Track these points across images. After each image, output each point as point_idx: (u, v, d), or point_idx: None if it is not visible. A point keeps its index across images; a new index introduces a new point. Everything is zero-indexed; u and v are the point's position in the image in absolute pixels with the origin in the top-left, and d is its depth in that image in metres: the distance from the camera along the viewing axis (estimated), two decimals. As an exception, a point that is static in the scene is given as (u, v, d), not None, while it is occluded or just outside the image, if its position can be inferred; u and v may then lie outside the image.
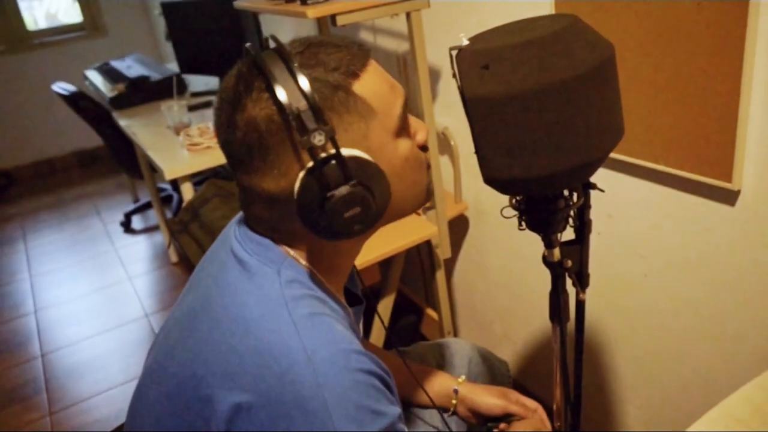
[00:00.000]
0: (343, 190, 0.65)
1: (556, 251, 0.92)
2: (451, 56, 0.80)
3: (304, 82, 0.64)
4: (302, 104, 0.63)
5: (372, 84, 0.70)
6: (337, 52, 0.69)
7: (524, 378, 1.90)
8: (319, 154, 0.64)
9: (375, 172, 0.68)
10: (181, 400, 0.69)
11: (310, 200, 0.66)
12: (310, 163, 0.65)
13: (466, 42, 0.80)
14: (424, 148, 0.79)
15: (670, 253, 1.25)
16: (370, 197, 0.67)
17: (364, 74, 0.70)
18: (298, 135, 0.64)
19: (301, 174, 0.66)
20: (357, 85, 0.69)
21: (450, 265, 2.03)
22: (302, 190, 0.66)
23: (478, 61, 0.75)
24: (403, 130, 0.74)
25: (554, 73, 0.72)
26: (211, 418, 0.65)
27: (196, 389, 0.67)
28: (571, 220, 0.91)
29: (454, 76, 0.79)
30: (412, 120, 0.78)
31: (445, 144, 1.76)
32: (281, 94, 0.63)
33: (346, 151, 0.66)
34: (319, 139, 0.63)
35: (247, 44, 0.69)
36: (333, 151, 0.65)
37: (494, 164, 0.78)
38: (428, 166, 0.80)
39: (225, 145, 0.72)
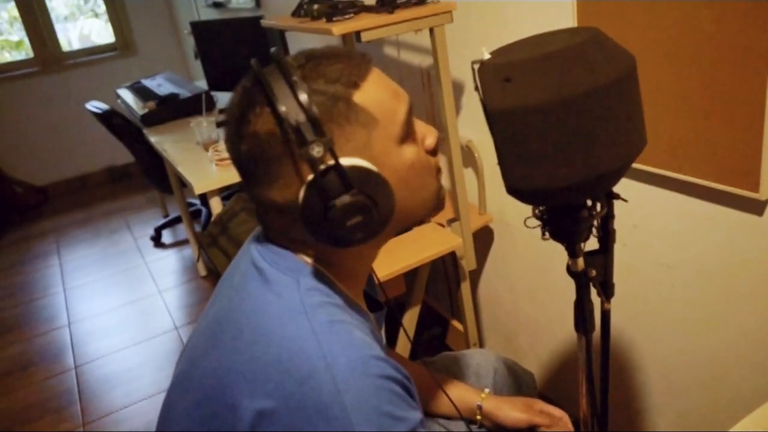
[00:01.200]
0: (344, 199, 0.66)
1: (580, 261, 0.92)
2: (473, 69, 0.82)
3: (302, 95, 0.65)
4: (301, 117, 0.65)
5: (373, 93, 0.71)
6: (337, 63, 0.71)
7: (550, 389, 1.89)
8: (318, 166, 0.66)
9: (376, 181, 0.69)
10: (208, 409, 0.70)
11: (313, 210, 0.67)
12: (311, 175, 0.66)
13: (487, 56, 0.81)
14: (433, 152, 0.79)
15: (697, 264, 1.25)
16: (371, 205, 0.68)
17: (365, 84, 0.71)
18: (297, 147, 0.65)
19: (304, 185, 0.67)
20: (358, 95, 0.70)
21: (475, 276, 2.04)
22: (305, 200, 0.67)
23: (499, 74, 0.77)
24: (408, 136, 0.74)
25: (575, 85, 0.73)
26: (236, 425, 0.66)
27: (221, 398, 0.68)
28: (595, 230, 0.92)
29: (476, 89, 0.80)
30: (420, 125, 0.78)
31: (469, 156, 1.77)
32: (281, 107, 0.65)
33: (346, 161, 0.67)
34: (317, 150, 0.64)
35: (252, 60, 0.71)
36: (332, 161, 0.66)
37: (516, 175, 0.79)
38: (438, 171, 0.80)
39: (234, 160, 0.74)
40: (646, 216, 1.31)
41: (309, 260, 0.76)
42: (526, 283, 1.81)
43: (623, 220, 1.33)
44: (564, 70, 0.74)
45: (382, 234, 0.73)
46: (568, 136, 0.74)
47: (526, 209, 0.89)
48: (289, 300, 0.71)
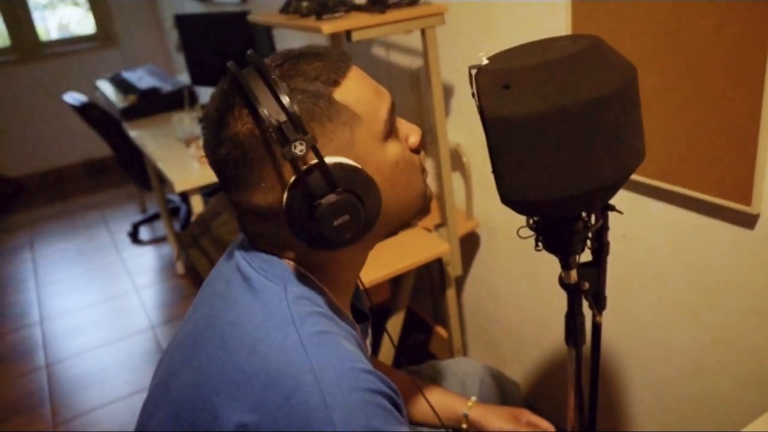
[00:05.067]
0: (330, 198, 0.65)
1: (573, 273, 0.90)
2: (470, 75, 0.79)
3: (282, 94, 0.64)
4: (282, 116, 0.63)
5: (354, 90, 0.70)
6: (316, 61, 0.69)
7: (533, 399, 1.88)
8: (301, 165, 0.64)
9: (362, 179, 0.67)
10: (187, 421, 0.68)
11: (299, 211, 0.66)
12: (294, 176, 0.65)
13: (485, 61, 0.79)
14: (417, 151, 0.78)
15: (686, 276, 1.24)
16: (358, 204, 0.66)
17: (345, 81, 0.69)
18: (279, 147, 0.63)
19: (287, 186, 0.66)
20: (338, 92, 0.68)
21: (459, 282, 2.02)
22: (290, 201, 0.66)
23: (498, 80, 0.75)
24: (391, 133, 0.73)
25: (576, 94, 0.71)
26: None
27: (201, 409, 0.66)
28: (588, 242, 0.90)
29: (473, 95, 0.78)
30: (404, 123, 0.77)
31: (456, 160, 1.75)
32: (260, 108, 0.63)
33: (330, 159, 0.65)
34: (300, 149, 0.62)
35: (228, 62, 0.69)
36: (316, 160, 0.64)
37: (513, 185, 0.77)
38: (423, 170, 0.79)
39: (213, 164, 0.72)
40: (636, 226, 1.30)
41: (295, 266, 0.74)
42: (512, 291, 1.79)
43: (612, 230, 1.31)
44: (564, 78, 0.72)
45: (369, 236, 0.72)
46: (568, 146, 0.72)
47: (514, 216, 0.87)
48: (276, 309, 0.68)
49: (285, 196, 0.66)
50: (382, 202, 0.70)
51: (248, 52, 0.69)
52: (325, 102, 0.67)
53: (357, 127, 0.69)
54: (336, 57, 0.71)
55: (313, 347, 0.65)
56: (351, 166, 0.67)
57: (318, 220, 0.65)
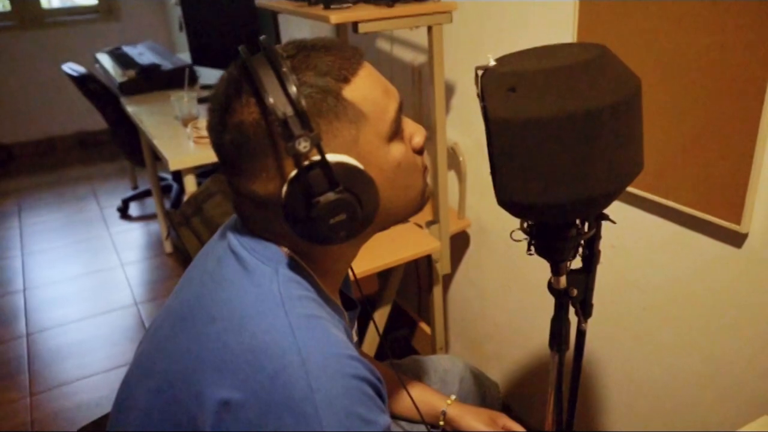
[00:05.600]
0: (328, 196, 0.65)
1: (563, 279, 0.91)
2: (476, 75, 0.79)
3: (291, 88, 0.63)
4: (289, 110, 0.63)
5: (364, 89, 0.70)
6: (328, 55, 0.69)
7: (511, 399, 1.89)
8: (303, 161, 0.64)
9: (362, 179, 0.67)
10: (170, 395, 0.68)
11: (296, 206, 0.66)
12: (295, 170, 0.65)
13: (493, 62, 0.79)
14: (420, 151, 0.78)
15: (670, 289, 1.25)
16: (356, 204, 0.67)
17: (356, 79, 0.69)
18: (283, 141, 0.63)
19: (287, 180, 0.66)
20: (348, 89, 0.68)
21: (446, 280, 2.03)
22: (288, 195, 0.66)
23: (504, 82, 0.75)
24: (396, 134, 0.73)
25: (580, 102, 0.72)
26: (198, 413, 0.64)
27: (186, 384, 0.66)
28: (580, 249, 0.91)
29: (478, 95, 0.78)
30: (408, 123, 0.77)
31: (452, 160, 1.76)
32: (268, 99, 0.63)
33: (332, 157, 0.65)
34: (304, 145, 0.62)
35: (240, 47, 0.69)
36: (318, 157, 0.64)
37: (511, 187, 0.78)
38: (425, 169, 0.79)
39: (216, 147, 0.72)
40: (626, 237, 1.32)
41: (288, 251, 0.74)
42: (498, 292, 1.81)
43: (603, 240, 1.33)
44: (570, 85, 0.72)
45: (364, 233, 0.72)
46: (569, 153, 0.73)
47: (505, 218, 0.87)
48: (266, 290, 0.69)
49: (284, 189, 0.66)
50: (380, 203, 0.70)
51: (261, 38, 0.68)
52: (334, 99, 0.67)
53: (363, 126, 0.69)
54: (349, 53, 0.71)
55: (301, 330, 0.65)
56: (352, 166, 0.67)
57: (315, 217, 0.65)
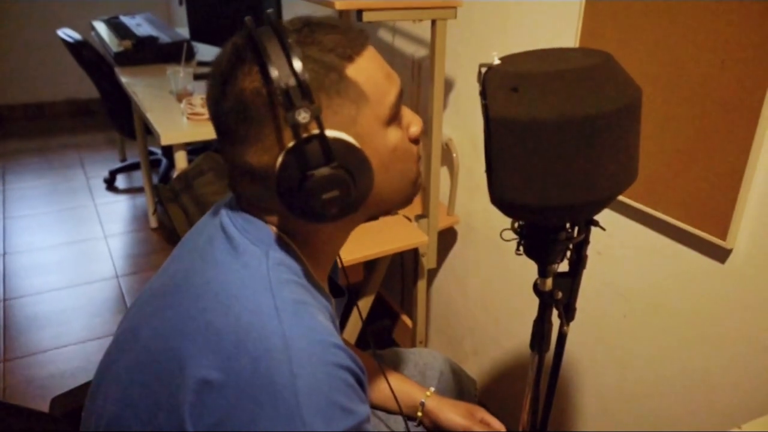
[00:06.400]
0: (323, 170, 0.65)
1: (549, 281, 0.92)
2: (480, 73, 0.80)
3: (295, 60, 0.63)
4: (291, 81, 0.63)
5: (367, 69, 0.70)
6: (334, 33, 0.69)
7: (486, 397, 1.91)
8: (302, 132, 0.64)
9: (359, 158, 0.68)
10: (151, 371, 0.68)
11: (290, 178, 0.66)
12: (293, 141, 0.65)
13: (497, 61, 0.80)
14: (416, 141, 0.79)
15: (652, 299, 1.27)
16: (350, 181, 0.67)
17: (360, 59, 0.70)
18: (283, 111, 0.63)
19: (283, 151, 0.66)
20: (351, 68, 0.68)
21: (431, 275, 2.03)
22: (283, 166, 0.66)
23: (508, 82, 0.75)
24: (394, 119, 0.73)
25: (581, 106, 0.72)
26: (178, 391, 0.64)
27: (167, 361, 0.66)
28: (568, 253, 0.92)
29: (480, 93, 0.79)
30: (407, 112, 0.78)
31: (445, 155, 1.76)
32: (272, 68, 0.63)
33: (330, 133, 0.66)
34: (303, 116, 0.62)
35: (246, 17, 0.69)
36: (317, 130, 0.64)
37: (506, 187, 0.78)
38: (419, 159, 0.80)
39: (214, 116, 0.72)
40: (612, 245, 1.33)
41: (280, 233, 0.74)
42: (481, 290, 1.82)
43: (590, 245, 1.35)
44: (573, 90, 0.73)
45: (354, 215, 0.72)
46: (566, 156, 0.74)
47: (493, 218, 0.88)
48: (255, 272, 0.69)
49: (279, 160, 0.66)
50: (373, 184, 0.70)
51: (267, 11, 0.68)
52: (336, 75, 0.67)
53: (363, 107, 0.69)
54: (354, 33, 0.71)
55: (287, 315, 0.65)
56: (350, 144, 0.67)
57: (307, 190, 0.65)
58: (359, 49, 0.70)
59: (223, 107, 0.69)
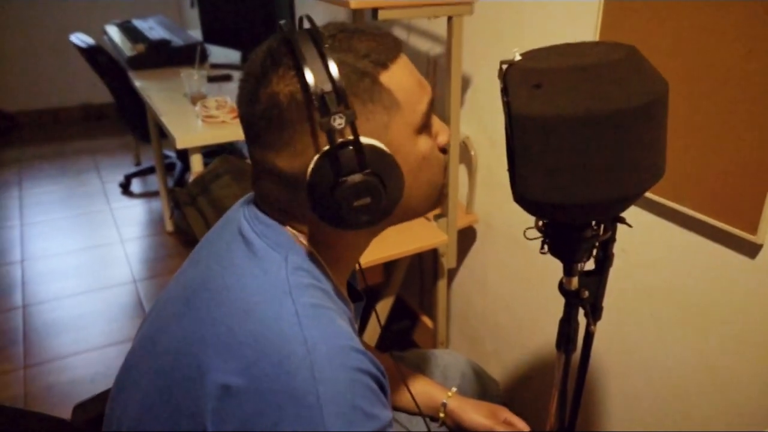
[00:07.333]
0: (356, 177, 0.65)
1: (575, 280, 0.90)
2: (501, 70, 0.78)
3: (332, 65, 0.63)
4: (327, 86, 0.63)
5: (400, 77, 0.70)
6: (369, 40, 0.69)
7: (509, 399, 1.89)
8: (337, 138, 0.64)
9: (391, 165, 0.68)
10: (171, 377, 0.67)
11: (322, 183, 0.65)
12: (327, 146, 0.64)
13: (518, 57, 0.78)
14: (443, 150, 0.79)
15: (680, 297, 1.24)
16: (382, 189, 0.67)
17: (394, 66, 0.70)
18: (318, 116, 0.63)
19: (316, 155, 0.65)
20: (385, 75, 0.68)
21: (450, 275, 2.01)
22: (315, 171, 0.65)
23: (530, 78, 0.74)
24: (425, 128, 0.74)
25: (606, 102, 0.70)
26: (199, 397, 0.64)
27: (188, 367, 0.66)
28: (594, 251, 0.90)
29: (502, 90, 0.77)
30: (436, 121, 0.78)
31: (463, 153, 1.74)
32: (308, 73, 0.63)
33: (364, 140, 0.66)
34: (339, 122, 0.62)
35: (282, 21, 0.69)
36: (351, 136, 0.64)
37: (530, 184, 0.76)
38: (445, 168, 0.80)
39: (245, 118, 0.71)
40: (637, 242, 1.30)
41: (300, 237, 0.73)
42: (501, 290, 1.80)
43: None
44: (598, 85, 0.71)
45: (382, 222, 0.71)
46: (592, 153, 0.72)
47: (513, 216, 0.86)
48: (275, 277, 0.68)
49: (312, 165, 0.65)
50: (404, 192, 0.70)
51: (303, 15, 0.69)
52: (370, 82, 0.67)
53: (395, 114, 0.69)
54: (388, 40, 0.71)
55: (308, 320, 0.64)
56: (383, 151, 0.67)
57: (339, 196, 0.65)
58: (393, 56, 0.70)
59: (254, 110, 0.69)
